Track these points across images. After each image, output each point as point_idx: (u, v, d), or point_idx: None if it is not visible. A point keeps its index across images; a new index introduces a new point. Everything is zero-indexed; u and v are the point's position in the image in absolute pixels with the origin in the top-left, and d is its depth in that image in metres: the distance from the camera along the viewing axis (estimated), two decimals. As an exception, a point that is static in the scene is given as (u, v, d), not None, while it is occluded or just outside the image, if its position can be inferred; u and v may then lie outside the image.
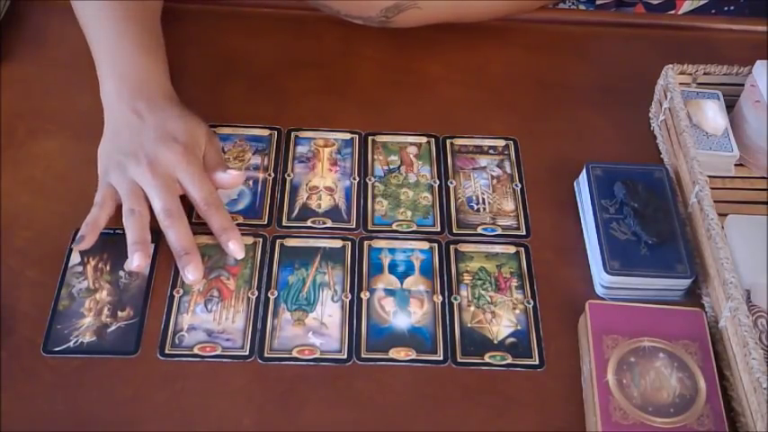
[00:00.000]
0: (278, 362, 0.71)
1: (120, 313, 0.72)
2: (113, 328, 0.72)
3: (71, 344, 0.70)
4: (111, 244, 0.76)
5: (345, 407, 0.68)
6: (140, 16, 0.84)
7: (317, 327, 0.73)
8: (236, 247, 0.75)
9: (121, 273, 0.75)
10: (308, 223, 0.80)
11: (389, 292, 0.75)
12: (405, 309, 0.74)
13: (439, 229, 0.80)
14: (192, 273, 0.73)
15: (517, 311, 0.74)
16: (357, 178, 0.84)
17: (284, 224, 0.80)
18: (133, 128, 0.77)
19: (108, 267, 0.75)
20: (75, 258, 0.76)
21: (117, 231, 0.77)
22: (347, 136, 0.87)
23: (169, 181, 0.75)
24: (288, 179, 0.83)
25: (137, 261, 0.73)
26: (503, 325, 0.74)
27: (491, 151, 0.87)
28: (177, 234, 0.74)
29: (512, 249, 0.79)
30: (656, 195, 0.78)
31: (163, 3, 0.89)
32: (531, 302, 0.75)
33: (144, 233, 0.74)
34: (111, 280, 0.74)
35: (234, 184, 0.79)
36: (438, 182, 0.84)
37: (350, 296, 0.75)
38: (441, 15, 0.91)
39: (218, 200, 0.77)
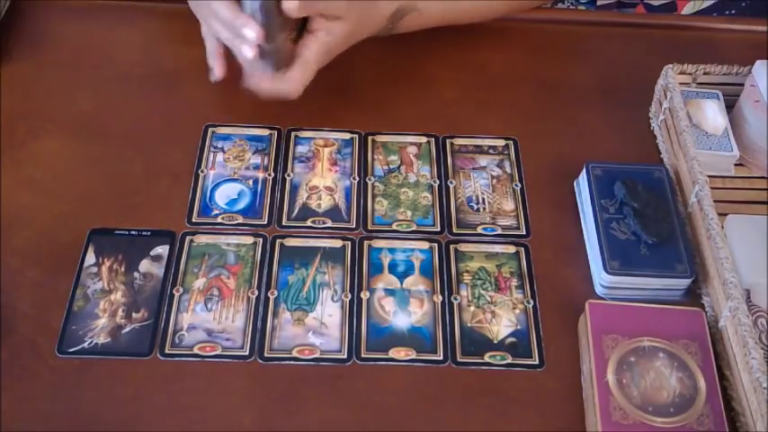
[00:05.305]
0: (278, 362, 0.71)
1: (134, 315, 0.72)
2: (128, 329, 0.72)
3: (85, 345, 0.70)
4: (126, 245, 0.76)
5: (345, 407, 0.68)
6: None
7: (316, 327, 0.73)
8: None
9: (136, 274, 0.75)
10: (308, 223, 0.80)
11: (389, 292, 0.75)
12: (405, 308, 0.74)
13: (439, 229, 0.80)
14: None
15: (517, 311, 0.74)
16: (357, 178, 0.84)
17: (284, 224, 0.80)
18: None
19: (123, 268, 0.75)
20: (91, 259, 0.76)
21: (131, 233, 0.77)
22: (347, 136, 0.87)
23: None
24: (288, 179, 0.83)
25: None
26: (503, 325, 0.74)
27: (491, 151, 0.87)
28: None
29: (512, 249, 0.79)
30: (656, 195, 0.78)
31: None
32: (531, 302, 0.75)
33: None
34: (125, 281, 0.74)
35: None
36: (438, 182, 0.84)
37: (350, 296, 0.75)
38: (440, 18, 0.91)
39: None
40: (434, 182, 0.84)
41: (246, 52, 0.78)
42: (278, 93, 0.81)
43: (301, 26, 0.81)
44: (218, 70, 0.83)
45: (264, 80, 0.81)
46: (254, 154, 0.85)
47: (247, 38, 0.77)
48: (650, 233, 0.75)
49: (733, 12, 1.09)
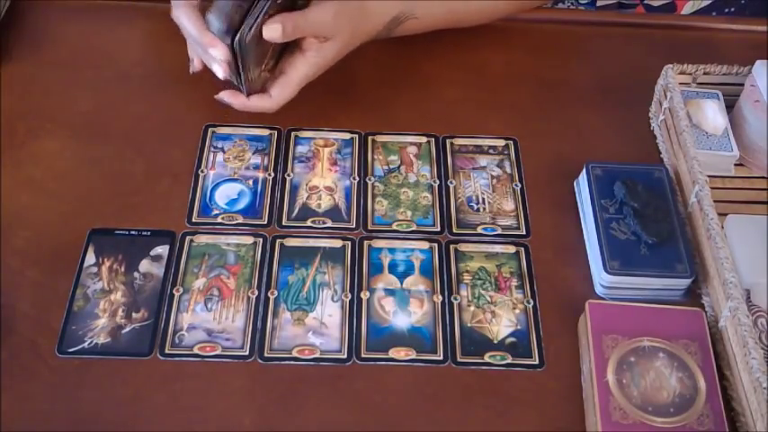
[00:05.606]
0: (278, 362, 0.71)
1: (134, 315, 0.72)
2: (128, 329, 0.72)
3: (85, 345, 0.70)
4: (126, 245, 0.76)
5: (345, 407, 0.68)
6: None
7: (316, 326, 0.73)
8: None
9: (136, 274, 0.75)
10: (308, 223, 0.80)
11: (389, 292, 0.75)
12: (405, 308, 0.74)
13: (439, 229, 0.80)
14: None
15: (517, 311, 0.74)
16: (357, 178, 0.84)
17: (284, 224, 0.80)
18: None
19: (123, 268, 0.75)
20: (91, 259, 0.76)
21: (131, 233, 0.77)
22: (347, 136, 0.87)
23: None
24: (288, 179, 0.83)
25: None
26: (503, 325, 0.74)
27: (491, 151, 0.87)
28: None
29: (512, 249, 0.79)
30: (656, 195, 0.78)
31: None
32: (531, 302, 0.75)
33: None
34: (125, 281, 0.74)
35: None
36: (438, 182, 0.84)
37: (350, 296, 0.75)
38: (438, 23, 0.92)
39: None
40: (434, 182, 0.84)
41: (217, 72, 0.78)
42: (254, 108, 0.81)
43: (278, 54, 0.81)
44: (197, 62, 0.83)
45: (238, 97, 0.81)
46: (254, 154, 0.85)
47: (215, 58, 0.77)
48: (650, 233, 0.75)
49: (732, 10, 1.09)
